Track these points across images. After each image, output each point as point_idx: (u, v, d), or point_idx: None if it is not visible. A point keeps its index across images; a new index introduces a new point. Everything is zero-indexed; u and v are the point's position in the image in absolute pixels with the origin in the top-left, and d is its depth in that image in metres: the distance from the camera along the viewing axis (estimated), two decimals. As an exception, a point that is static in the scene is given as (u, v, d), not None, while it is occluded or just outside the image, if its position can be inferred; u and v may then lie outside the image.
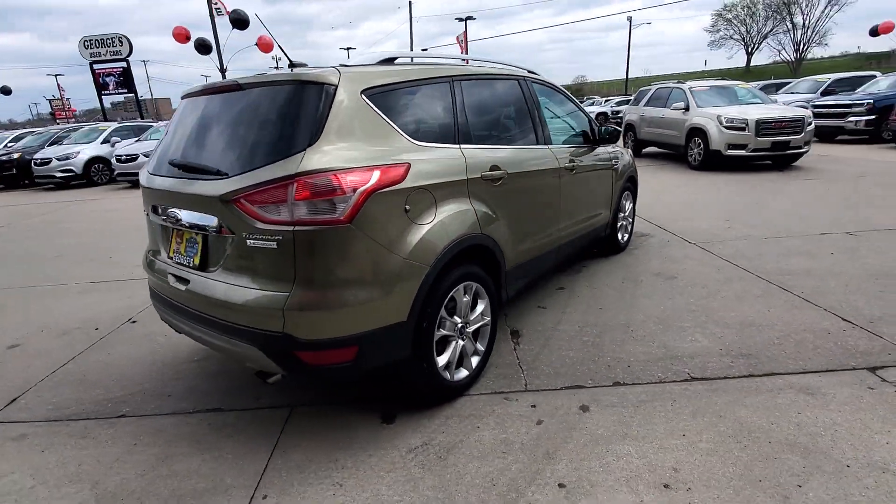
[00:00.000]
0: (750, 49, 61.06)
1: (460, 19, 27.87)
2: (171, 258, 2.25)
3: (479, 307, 2.47)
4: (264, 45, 11.95)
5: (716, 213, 5.86)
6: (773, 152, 8.39)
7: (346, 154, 1.85)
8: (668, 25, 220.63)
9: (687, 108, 9.53)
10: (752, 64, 62.89)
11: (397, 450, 2.06)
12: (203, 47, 11.69)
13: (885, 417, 2.08)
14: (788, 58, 54.62)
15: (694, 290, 3.59)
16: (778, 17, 54.61)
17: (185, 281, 2.11)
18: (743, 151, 8.39)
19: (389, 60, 2.41)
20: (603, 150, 3.96)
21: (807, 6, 51.35)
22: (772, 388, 2.34)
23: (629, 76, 46.52)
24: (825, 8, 50.13)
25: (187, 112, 2.32)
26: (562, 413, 2.24)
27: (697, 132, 9.17)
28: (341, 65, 2.10)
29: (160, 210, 2.26)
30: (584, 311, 3.34)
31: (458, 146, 2.40)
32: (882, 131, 11.11)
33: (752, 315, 3.11)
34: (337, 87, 1.92)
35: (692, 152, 9.40)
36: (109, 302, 4.05)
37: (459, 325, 2.34)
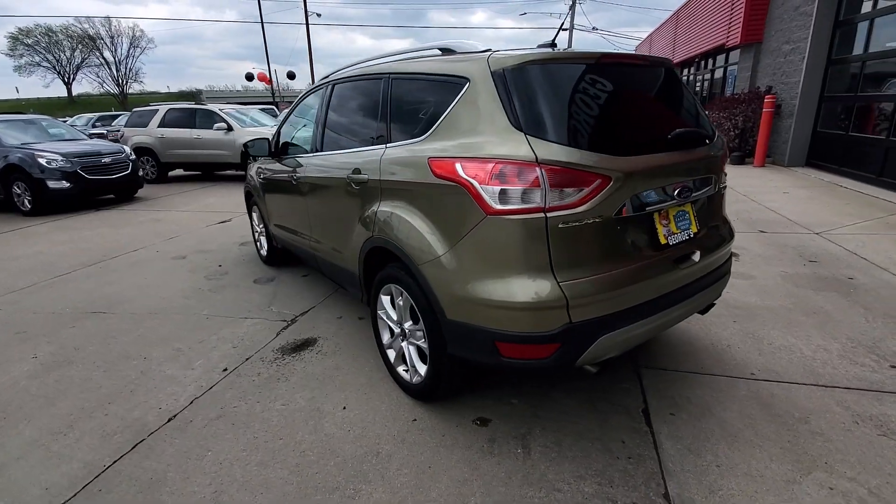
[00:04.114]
0: (67, 79, 54.31)
1: None
2: (667, 243, 2.00)
3: None
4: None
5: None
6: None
7: None
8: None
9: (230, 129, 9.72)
10: (75, 94, 55.95)
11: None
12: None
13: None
14: (113, 90, 53.98)
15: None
16: (86, 49, 52.06)
17: (687, 258, 2.10)
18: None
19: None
20: None
21: (112, 44, 52.32)
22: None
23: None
24: (129, 49, 53.67)
25: (607, 82, 1.99)
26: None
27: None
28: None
29: (661, 191, 1.97)
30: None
31: None
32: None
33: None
34: None
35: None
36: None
37: None
